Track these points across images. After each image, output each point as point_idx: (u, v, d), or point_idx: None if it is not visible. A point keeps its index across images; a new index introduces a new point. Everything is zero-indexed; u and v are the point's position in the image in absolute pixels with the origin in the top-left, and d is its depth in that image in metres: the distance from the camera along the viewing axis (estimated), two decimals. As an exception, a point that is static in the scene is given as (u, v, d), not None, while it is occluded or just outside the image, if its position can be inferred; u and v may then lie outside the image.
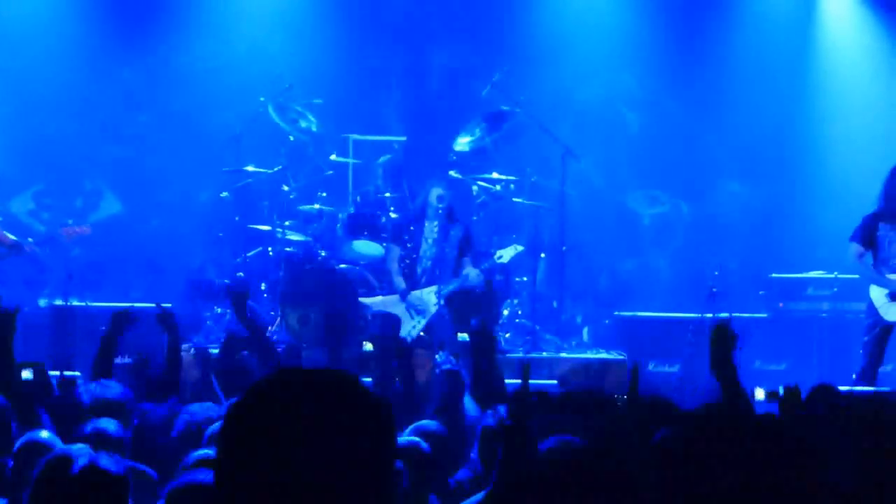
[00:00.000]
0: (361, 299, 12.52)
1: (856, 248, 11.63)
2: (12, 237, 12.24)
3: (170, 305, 8.55)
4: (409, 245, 12.72)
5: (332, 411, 2.42)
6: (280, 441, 2.38)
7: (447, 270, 12.55)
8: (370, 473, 2.42)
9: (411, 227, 12.73)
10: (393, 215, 13.34)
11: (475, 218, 13.49)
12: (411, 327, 12.37)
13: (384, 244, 12.98)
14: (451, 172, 13.56)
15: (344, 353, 11.85)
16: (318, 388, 2.45)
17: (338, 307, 12.26)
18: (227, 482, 2.42)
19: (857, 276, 12.08)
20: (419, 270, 12.67)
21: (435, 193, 12.56)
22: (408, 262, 12.74)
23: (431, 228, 12.64)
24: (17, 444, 5.89)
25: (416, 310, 12.47)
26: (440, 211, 12.51)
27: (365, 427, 2.43)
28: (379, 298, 12.59)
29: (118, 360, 8.62)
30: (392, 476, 2.48)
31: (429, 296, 12.48)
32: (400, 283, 12.62)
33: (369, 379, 9.76)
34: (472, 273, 12.48)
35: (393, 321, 11.95)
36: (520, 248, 12.75)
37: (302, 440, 2.38)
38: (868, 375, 11.26)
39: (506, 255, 12.58)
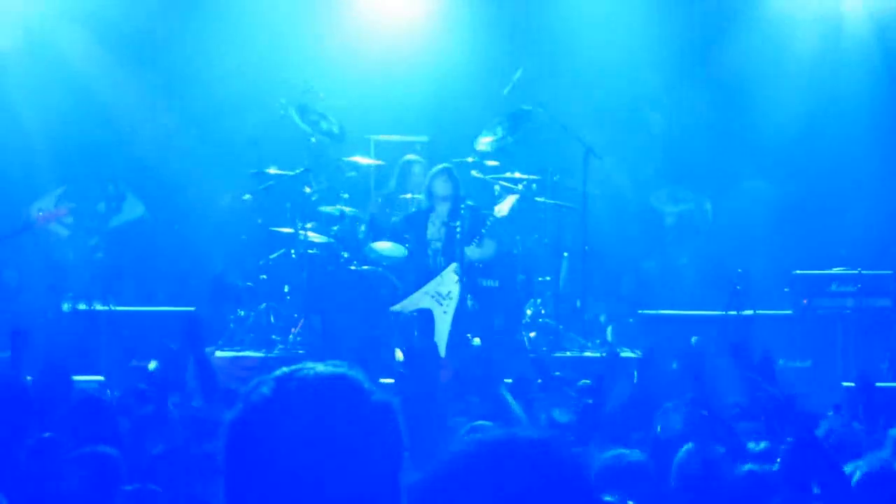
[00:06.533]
0: (392, 308, 12.49)
1: None
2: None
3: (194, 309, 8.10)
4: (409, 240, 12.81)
5: (334, 414, 2.42)
6: (284, 445, 2.39)
7: (459, 247, 12.55)
8: (376, 474, 2.42)
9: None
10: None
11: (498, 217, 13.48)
12: (442, 312, 12.32)
13: (406, 245, 12.97)
14: (473, 172, 13.55)
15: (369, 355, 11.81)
16: (321, 391, 2.44)
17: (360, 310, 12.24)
18: (233, 487, 2.43)
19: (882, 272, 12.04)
20: (430, 253, 12.72)
21: (441, 192, 12.65)
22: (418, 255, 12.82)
23: (439, 212, 12.71)
24: None
25: (440, 295, 12.44)
26: (447, 200, 12.61)
27: (369, 428, 2.43)
28: (404, 301, 12.57)
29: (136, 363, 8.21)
30: (398, 476, 2.47)
31: (448, 276, 12.45)
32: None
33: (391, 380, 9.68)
34: (470, 250, 12.53)
35: (426, 316, 11.89)
36: (516, 195, 12.69)
37: (305, 444, 2.39)
38: None
39: (504, 207, 12.54)
